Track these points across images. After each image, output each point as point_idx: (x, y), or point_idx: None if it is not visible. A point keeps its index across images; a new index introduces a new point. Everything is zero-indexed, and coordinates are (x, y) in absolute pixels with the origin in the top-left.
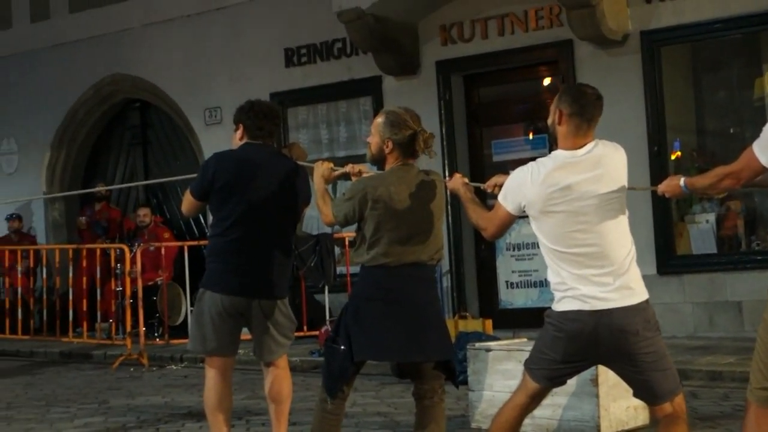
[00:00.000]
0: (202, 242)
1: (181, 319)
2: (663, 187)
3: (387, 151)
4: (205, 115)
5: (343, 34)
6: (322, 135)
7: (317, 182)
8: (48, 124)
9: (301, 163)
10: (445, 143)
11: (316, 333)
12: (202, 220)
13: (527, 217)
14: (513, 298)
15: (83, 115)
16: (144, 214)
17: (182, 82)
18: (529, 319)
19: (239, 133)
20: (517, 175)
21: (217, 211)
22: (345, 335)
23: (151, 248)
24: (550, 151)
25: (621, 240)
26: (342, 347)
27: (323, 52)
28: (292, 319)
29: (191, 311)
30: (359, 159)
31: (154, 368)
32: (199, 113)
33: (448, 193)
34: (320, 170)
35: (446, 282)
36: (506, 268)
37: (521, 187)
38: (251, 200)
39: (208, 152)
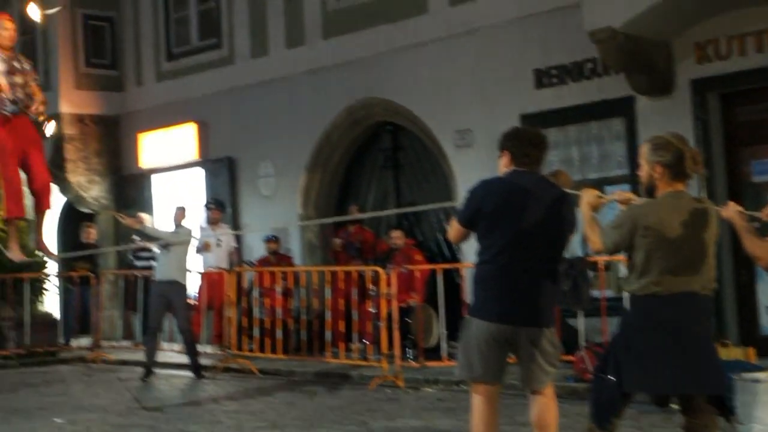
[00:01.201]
0: (455, 265)
1: (434, 341)
2: None
3: (656, 176)
4: (456, 137)
5: (594, 54)
6: (573, 156)
7: (584, 210)
8: (303, 147)
9: (567, 190)
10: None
11: (571, 358)
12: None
13: None
14: None
15: (337, 139)
16: (397, 237)
17: (432, 104)
18: None
19: (505, 159)
20: None
21: (484, 239)
22: (614, 365)
23: (404, 270)
24: None
25: None
26: (611, 378)
27: (574, 73)
28: (558, 346)
29: (444, 334)
30: (611, 181)
31: (410, 390)
32: (449, 136)
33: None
34: (587, 197)
35: None
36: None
37: None
38: (519, 227)
39: (458, 175)
